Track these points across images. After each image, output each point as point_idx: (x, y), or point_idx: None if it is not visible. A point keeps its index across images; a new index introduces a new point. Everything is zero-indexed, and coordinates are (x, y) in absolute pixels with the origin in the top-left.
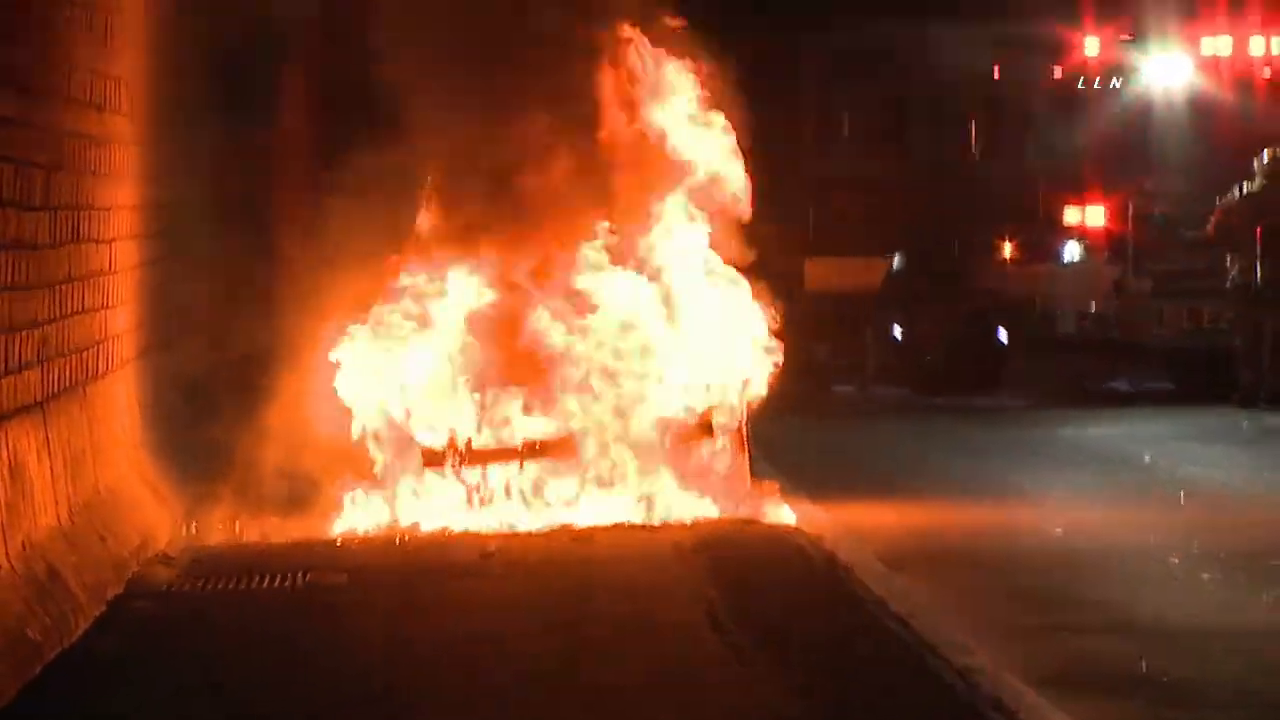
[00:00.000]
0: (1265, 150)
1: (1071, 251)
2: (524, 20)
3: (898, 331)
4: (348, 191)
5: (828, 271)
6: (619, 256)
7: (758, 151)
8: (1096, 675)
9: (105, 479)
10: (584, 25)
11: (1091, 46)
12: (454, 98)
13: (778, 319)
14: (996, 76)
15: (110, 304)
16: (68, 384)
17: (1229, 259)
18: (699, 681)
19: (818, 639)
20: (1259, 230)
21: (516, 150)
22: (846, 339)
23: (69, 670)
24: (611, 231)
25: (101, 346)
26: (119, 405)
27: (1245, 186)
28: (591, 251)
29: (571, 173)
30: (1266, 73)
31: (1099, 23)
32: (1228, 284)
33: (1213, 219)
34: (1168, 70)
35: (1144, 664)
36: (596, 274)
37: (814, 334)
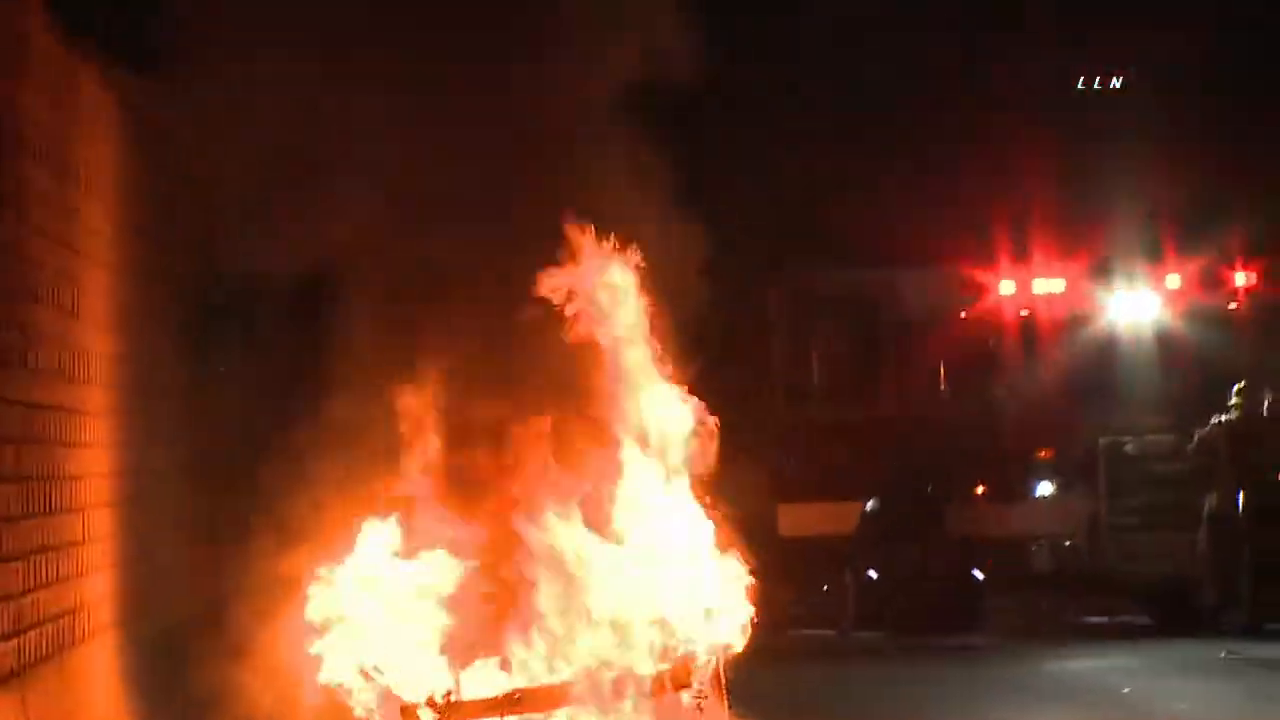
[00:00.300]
0: (1241, 381)
1: (1044, 488)
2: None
3: (873, 574)
4: (324, 446)
5: (801, 517)
6: (586, 512)
7: (726, 397)
8: None
9: None
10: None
11: (1056, 286)
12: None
13: (750, 566)
14: (963, 316)
15: (85, 572)
16: (44, 654)
17: (1208, 489)
18: None
19: None
20: (1237, 459)
21: (489, 409)
22: (821, 584)
23: None
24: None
25: (77, 615)
26: (98, 673)
27: (1222, 417)
28: (559, 509)
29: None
30: (1233, 306)
31: (1063, 261)
32: (1205, 514)
33: (1192, 448)
34: (1134, 306)
35: None
36: (566, 529)
37: (787, 580)
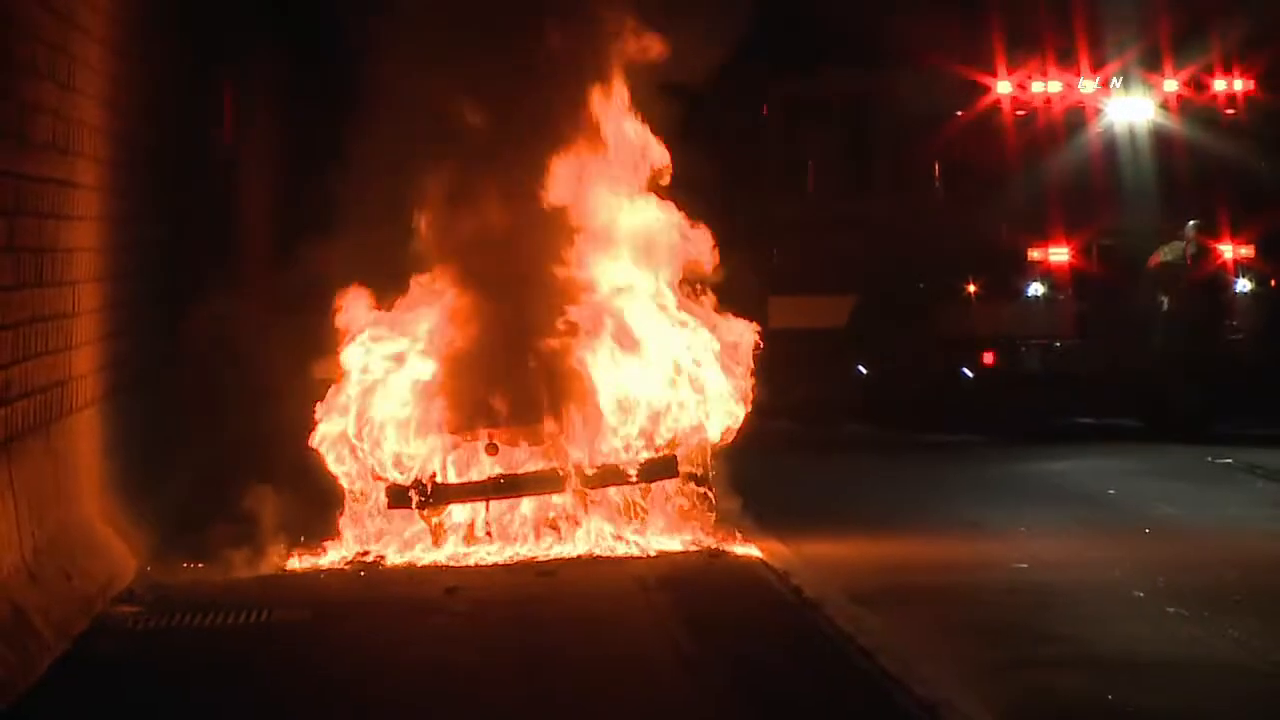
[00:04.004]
0: (1190, 224)
1: (1036, 288)
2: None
3: (862, 369)
4: (323, 223)
5: (791, 310)
6: (588, 294)
7: (723, 194)
8: (1063, 709)
9: (70, 518)
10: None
11: (1054, 87)
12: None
13: (743, 356)
14: (960, 117)
15: (74, 345)
16: (32, 424)
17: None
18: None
19: (783, 674)
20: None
21: (494, 191)
22: (812, 376)
23: (35, 709)
24: (579, 271)
25: (65, 387)
26: (83, 445)
27: (1165, 252)
28: (561, 289)
29: (543, 211)
30: (1230, 111)
31: (1062, 65)
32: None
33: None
34: (1130, 109)
35: (1110, 697)
36: (567, 308)
37: (778, 372)
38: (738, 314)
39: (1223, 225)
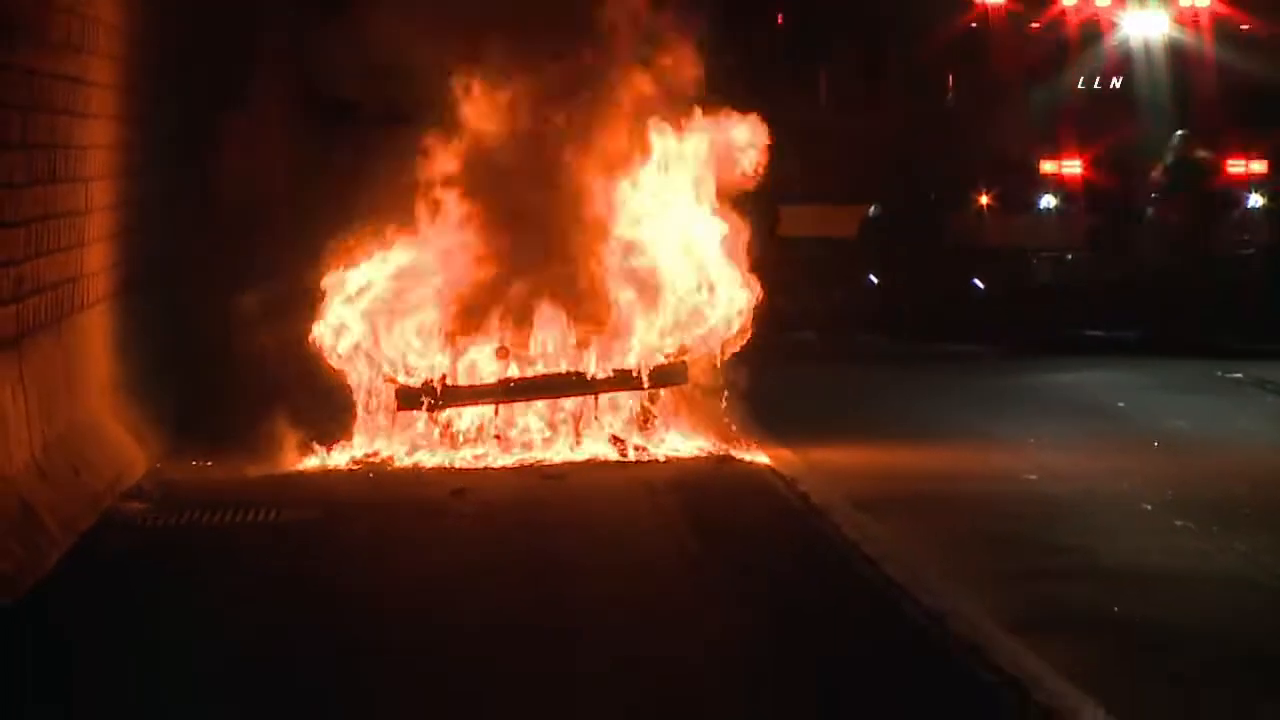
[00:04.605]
0: (1176, 134)
1: (1048, 200)
2: None
3: (873, 278)
4: (340, 135)
5: (803, 218)
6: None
7: (734, 101)
8: (1069, 619)
9: (80, 415)
10: None
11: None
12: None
13: (754, 264)
14: (974, 28)
15: (86, 242)
16: (43, 320)
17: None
18: (671, 622)
19: (790, 580)
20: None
21: (517, 90)
22: (823, 285)
23: (42, 603)
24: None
25: (77, 284)
26: (94, 342)
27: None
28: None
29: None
30: (1245, 26)
31: None
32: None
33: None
34: (1145, 22)
35: (1116, 608)
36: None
37: (790, 280)
38: (753, 222)
39: (1234, 140)
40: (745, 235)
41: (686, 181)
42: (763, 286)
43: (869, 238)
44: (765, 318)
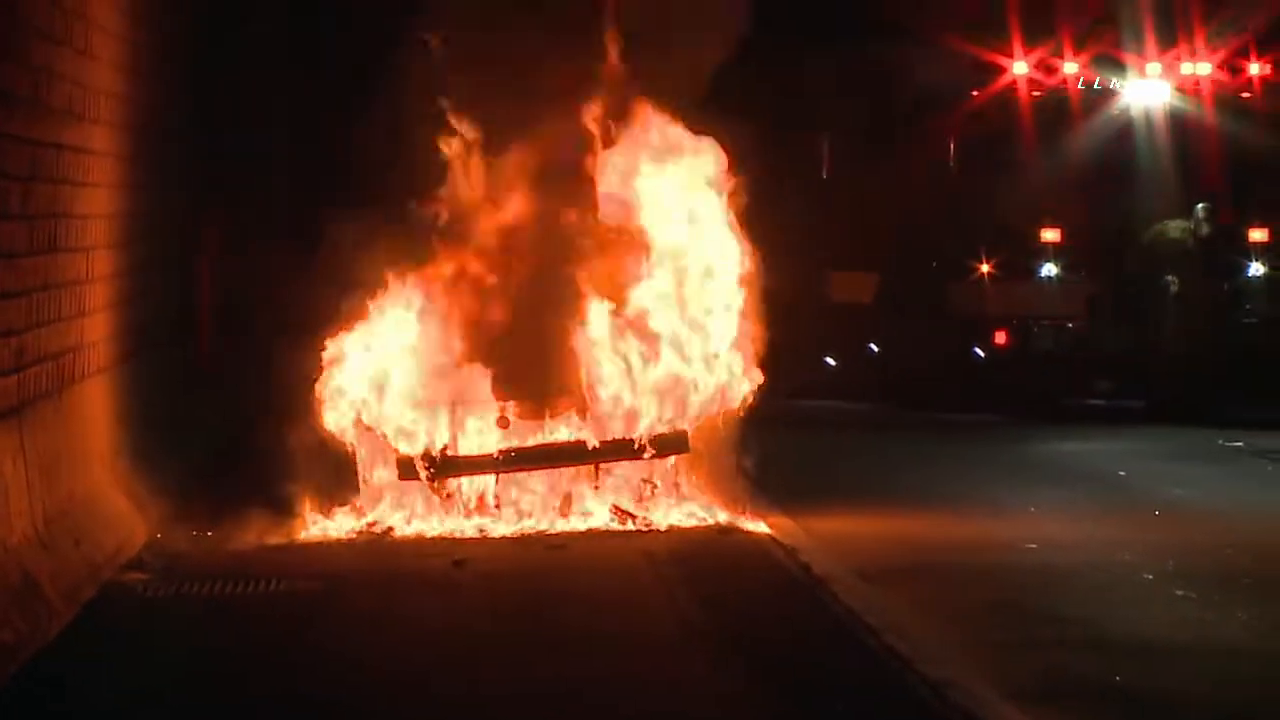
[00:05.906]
0: (1199, 205)
1: (1049, 269)
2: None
3: (874, 346)
4: (337, 200)
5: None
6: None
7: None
8: (1071, 690)
9: (80, 485)
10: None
11: (1069, 68)
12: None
13: (760, 331)
14: (975, 95)
15: (87, 311)
16: (44, 390)
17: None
18: (672, 692)
19: (791, 651)
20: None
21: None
22: (826, 352)
23: (42, 674)
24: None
25: (78, 353)
26: (95, 412)
27: (1171, 229)
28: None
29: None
30: (1247, 95)
31: (1077, 46)
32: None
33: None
34: (1146, 91)
35: (1118, 678)
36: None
37: (797, 346)
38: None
39: (1237, 209)
40: (757, 299)
41: (699, 243)
42: (770, 353)
43: (877, 304)
44: (767, 385)
